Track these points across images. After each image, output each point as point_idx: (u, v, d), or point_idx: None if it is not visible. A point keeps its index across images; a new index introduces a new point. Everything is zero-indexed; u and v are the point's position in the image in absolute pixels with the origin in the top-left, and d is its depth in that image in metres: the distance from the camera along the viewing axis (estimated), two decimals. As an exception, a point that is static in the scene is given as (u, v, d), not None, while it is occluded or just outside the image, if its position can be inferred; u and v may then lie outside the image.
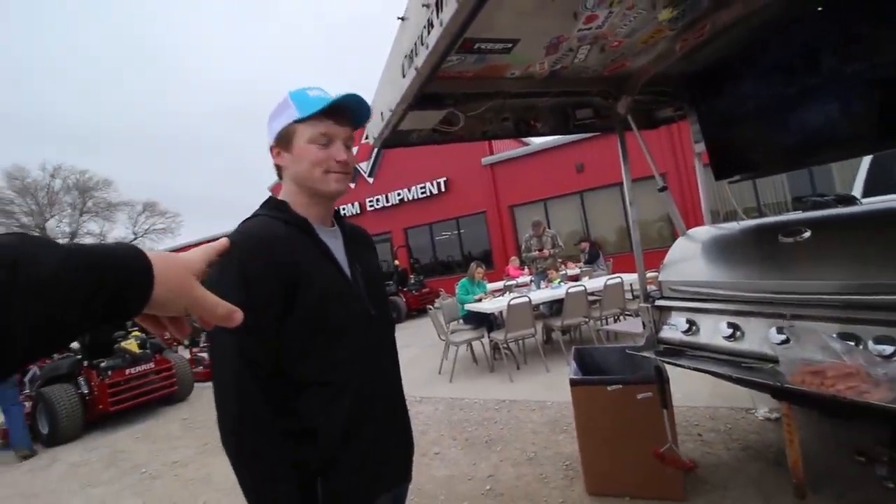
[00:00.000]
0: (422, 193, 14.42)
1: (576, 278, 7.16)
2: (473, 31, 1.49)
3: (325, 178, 0.98)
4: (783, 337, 1.46)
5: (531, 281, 7.05)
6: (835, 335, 1.33)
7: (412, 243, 14.84)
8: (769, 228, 1.89)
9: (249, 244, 0.90)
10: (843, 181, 7.72)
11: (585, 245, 8.92)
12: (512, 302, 4.88)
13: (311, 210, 1.02)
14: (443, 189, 14.07)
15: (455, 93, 1.87)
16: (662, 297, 2.16)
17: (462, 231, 14.19)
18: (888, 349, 1.21)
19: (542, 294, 5.72)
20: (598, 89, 2.26)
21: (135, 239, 28.08)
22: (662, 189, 2.37)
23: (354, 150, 1.08)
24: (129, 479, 3.90)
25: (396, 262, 13.27)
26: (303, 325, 0.92)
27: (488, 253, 13.43)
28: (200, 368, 7.77)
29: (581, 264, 8.51)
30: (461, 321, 6.10)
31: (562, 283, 6.08)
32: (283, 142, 0.99)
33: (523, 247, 7.10)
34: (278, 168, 1.04)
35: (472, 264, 6.30)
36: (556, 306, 5.77)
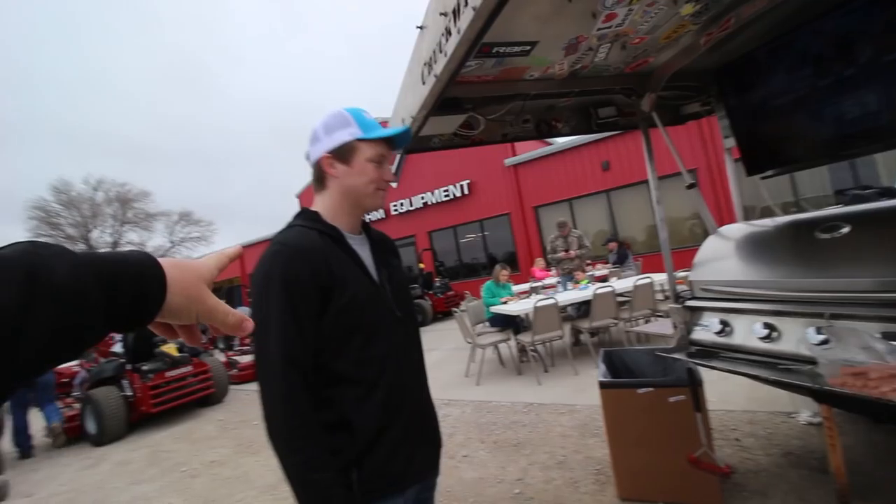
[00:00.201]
0: (445, 196, 14.46)
1: (604, 279, 7.03)
2: (491, 36, 1.50)
3: (376, 193, 1.09)
4: (822, 337, 1.40)
5: (558, 282, 6.97)
6: (878, 335, 1.27)
7: (436, 246, 14.88)
8: (805, 224, 1.82)
9: (290, 254, 0.98)
10: (890, 173, 7.30)
11: (613, 245, 8.74)
12: (538, 304, 4.83)
13: (344, 219, 1.09)
14: (466, 192, 14.07)
15: (474, 97, 1.88)
16: (693, 298, 2.10)
17: (486, 233, 14.13)
18: (937, 350, 1.15)
19: (569, 295, 5.64)
20: (620, 87, 2.23)
21: (171, 247, 29.22)
22: (690, 186, 2.31)
23: None
24: (171, 478, 4.06)
25: (421, 265, 13.34)
26: (338, 325, 1.00)
27: (513, 255, 13.33)
28: (235, 371, 8.01)
29: (609, 265, 8.35)
30: (487, 324, 6.09)
31: (589, 284, 5.98)
32: (341, 154, 1.06)
33: (549, 248, 7.02)
34: (323, 176, 1.09)
35: (497, 266, 6.28)
36: (583, 308, 5.69)
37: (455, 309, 6.33)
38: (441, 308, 11.51)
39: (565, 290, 6.31)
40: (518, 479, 2.85)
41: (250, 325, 0.53)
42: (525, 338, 5.09)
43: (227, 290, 23.84)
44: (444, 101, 1.61)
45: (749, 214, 2.44)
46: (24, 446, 5.59)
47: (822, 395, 1.53)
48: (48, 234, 26.27)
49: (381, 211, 15.94)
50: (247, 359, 8.48)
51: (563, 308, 5.31)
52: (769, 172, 2.20)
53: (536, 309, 4.79)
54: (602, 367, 2.63)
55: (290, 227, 1.08)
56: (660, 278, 5.58)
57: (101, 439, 5.47)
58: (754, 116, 2.15)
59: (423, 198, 14.94)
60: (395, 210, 15.66)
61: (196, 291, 0.47)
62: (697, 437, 2.09)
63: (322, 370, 1.00)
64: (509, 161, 13.10)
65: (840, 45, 1.70)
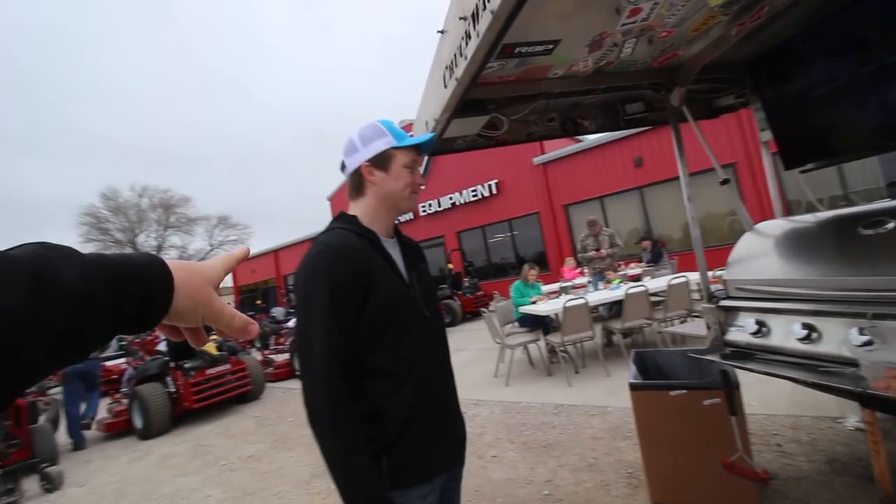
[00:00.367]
0: (473, 196, 14.44)
1: (637, 278, 6.85)
2: (512, 37, 1.50)
3: (411, 196, 1.18)
4: (865, 338, 1.33)
5: (588, 282, 6.84)
6: (927, 336, 1.20)
7: (465, 246, 14.89)
8: (848, 220, 1.72)
9: (334, 254, 1.06)
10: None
11: (647, 243, 8.49)
12: (568, 304, 4.77)
13: (379, 223, 1.18)
14: (494, 191, 14.00)
15: (497, 97, 1.88)
16: (728, 297, 2.03)
17: (515, 233, 14.02)
18: None
19: (600, 295, 5.53)
20: (648, 82, 2.18)
21: (211, 250, 30.48)
22: (724, 182, 2.23)
23: None
24: (211, 471, 4.25)
25: (450, 265, 13.38)
26: (374, 322, 1.07)
27: (543, 254, 13.17)
28: (271, 369, 8.28)
29: (643, 264, 8.12)
30: (516, 324, 6.05)
31: (621, 284, 5.84)
32: (379, 162, 1.15)
33: (579, 247, 6.90)
34: (362, 183, 1.17)
35: (525, 266, 6.22)
36: (615, 308, 5.56)
37: (483, 309, 6.32)
38: (470, 308, 11.51)
39: (596, 289, 6.19)
40: (547, 481, 2.82)
41: (255, 329, 0.53)
42: (554, 338, 5.03)
43: (262, 291, 24.67)
44: (466, 103, 1.62)
45: (795, 209, 2.33)
46: (78, 437, 5.96)
47: (865, 399, 1.45)
48: (98, 239, 27.92)
49: (410, 213, 16.09)
50: (282, 357, 8.74)
51: (595, 308, 5.21)
52: (809, 166, 2.10)
53: (566, 309, 4.73)
54: (633, 368, 2.57)
55: (330, 229, 1.15)
56: (696, 277, 5.39)
57: (147, 433, 5.78)
58: (792, 108, 2.05)
59: (451, 198, 14.98)
60: (424, 211, 15.76)
61: (202, 294, 0.47)
62: (733, 441, 2.02)
63: (359, 363, 1.07)
64: (538, 159, 12.95)
65: (884, 30, 1.61)
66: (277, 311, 15.13)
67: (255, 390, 6.85)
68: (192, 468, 4.44)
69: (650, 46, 1.87)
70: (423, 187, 1.23)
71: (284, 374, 8.24)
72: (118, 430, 6.22)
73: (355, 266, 1.05)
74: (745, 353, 1.82)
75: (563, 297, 5.52)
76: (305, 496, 3.30)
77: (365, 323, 1.06)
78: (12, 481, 4.41)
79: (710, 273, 2.31)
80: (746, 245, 2.11)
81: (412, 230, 15.26)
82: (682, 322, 5.55)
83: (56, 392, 8.36)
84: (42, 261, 0.34)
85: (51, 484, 4.50)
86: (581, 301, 4.87)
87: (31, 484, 4.59)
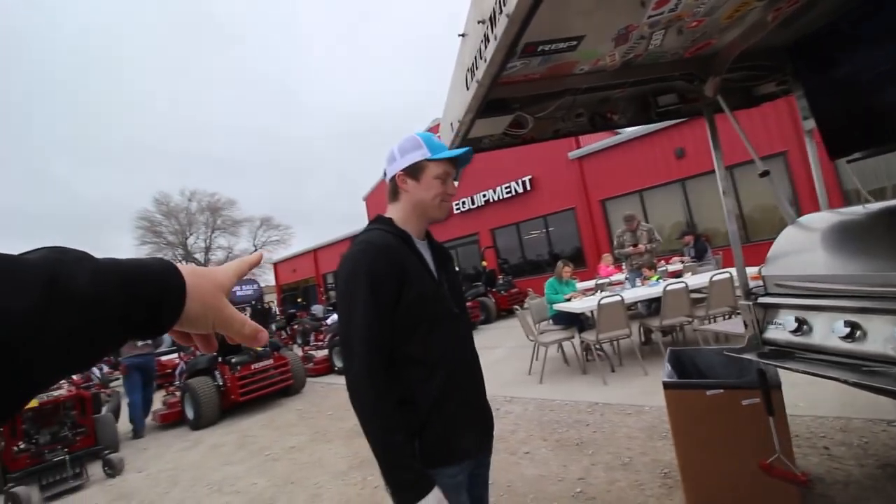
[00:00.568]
0: (507, 193, 14.34)
1: (678, 274, 6.62)
2: (534, 35, 1.51)
3: (441, 206, 1.26)
4: (913, 337, 1.26)
5: (626, 279, 6.68)
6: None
7: (499, 244, 14.82)
8: (898, 211, 1.63)
9: (375, 251, 1.16)
10: None
11: (690, 238, 8.17)
12: (603, 301, 4.68)
13: (412, 226, 1.28)
14: (528, 187, 13.85)
15: (521, 96, 1.89)
16: (766, 294, 1.95)
17: (550, 229, 13.81)
18: None
19: (637, 292, 5.39)
20: (679, 73, 2.12)
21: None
22: (764, 174, 2.15)
23: None
24: (256, 461, 4.48)
25: (484, 263, 13.35)
26: (408, 315, 1.16)
27: (579, 250, 12.92)
28: (311, 365, 8.58)
29: (686, 259, 7.82)
30: (550, 321, 5.99)
31: (660, 280, 5.66)
32: (412, 172, 1.24)
33: (615, 243, 6.74)
34: (397, 190, 1.27)
35: (559, 263, 6.15)
36: (654, 305, 5.41)
37: (517, 307, 6.29)
38: (504, 306, 11.47)
39: (633, 286, 6.03)
40: (580, 479, 2.81)
41: (265, 336, 0.52)
42: (589, 336, 4.96)
43: (303, 290, 25.50)
44: (489, 103, 1.64)
45: (854, 200, 2.21)
46: (139, 424, 6.42)
47: (916, 402, 1.37)
48: (152, 242, 29.72)
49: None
50: (322, 353, 9.03)
51: (633, 305, 5.08)
52: (856, 155, 1.98)
53: (601, 306, 4.65)
54: (668, 367, 2.52)
55: (368, 229, 1.27)
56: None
57: (197, 424, 6.14)
58: (836, 94, 1.94)
59: (484, 195, 14.94)
60: (458, 209, 15.78)
61: (214, 300, 0.46)
62: (771, 442, 1.94)
63: (394, 352, 1.16)
64: (573, 154, 12.70)
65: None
66: (317, 309, 15.56)
67: (296, 384, 7.12)
68: (239, 457, 4.69)
69: (680, 37, 1.82)
70: (452, 197, 1.30)
71: (323, 369, 8.52)
72: (172, 420, 6.64)
73: (392, 263, 1.15)
74: (784, 352, 1.75)
75: (599, 294, 5.43)
76: (342, 486, 3.43)
77: (399, 316, 1.15)
78: (79, 466, 4.82)
79: (756, 269, 2.23)
80: (787, 239, 2.02)
81: (446, 228, 15.31)
82: (725, 319, 5.33)
83: (117, 385, 9.02)
84: (56, 265, 0.34)
85: (112, 469, 4.88)
86: (616, 298, 4.77)
87: (95, 469, 4.99)
